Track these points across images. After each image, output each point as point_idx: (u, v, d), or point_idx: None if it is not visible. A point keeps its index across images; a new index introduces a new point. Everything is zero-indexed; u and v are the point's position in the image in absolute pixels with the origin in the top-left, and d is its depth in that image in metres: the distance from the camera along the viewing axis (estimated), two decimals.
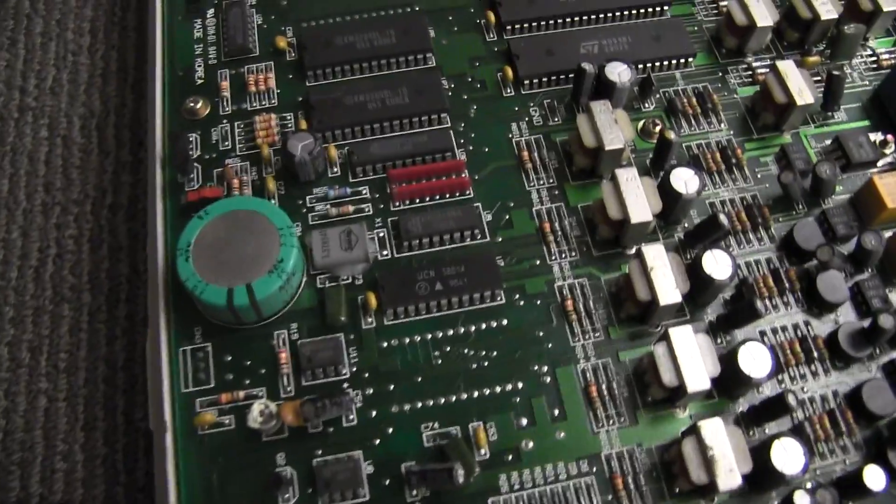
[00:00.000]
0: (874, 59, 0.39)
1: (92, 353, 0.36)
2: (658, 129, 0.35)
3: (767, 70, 0.36)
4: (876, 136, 0.36)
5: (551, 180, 0.34)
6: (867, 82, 0.38)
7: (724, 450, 0.28)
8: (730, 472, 0.28)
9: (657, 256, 0.31)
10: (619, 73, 0.34)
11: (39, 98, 0.42)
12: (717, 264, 0.31)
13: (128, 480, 0.34)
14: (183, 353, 0.31)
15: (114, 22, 0.45)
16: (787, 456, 0.28)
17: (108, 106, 0.42)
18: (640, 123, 0.36)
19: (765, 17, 0.37)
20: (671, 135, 0.33)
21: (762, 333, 0.32)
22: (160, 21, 0.39)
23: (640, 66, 0.37)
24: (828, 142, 0.36)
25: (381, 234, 0.33)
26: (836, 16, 0.37)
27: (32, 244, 0.38)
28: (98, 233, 0.38)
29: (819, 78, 0.38)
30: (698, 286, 0.31)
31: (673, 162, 0.34)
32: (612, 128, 0.33)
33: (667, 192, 0.32)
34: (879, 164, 0.36)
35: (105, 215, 0.39)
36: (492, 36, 0.38)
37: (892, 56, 0.39)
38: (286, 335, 0.31)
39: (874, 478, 0.29)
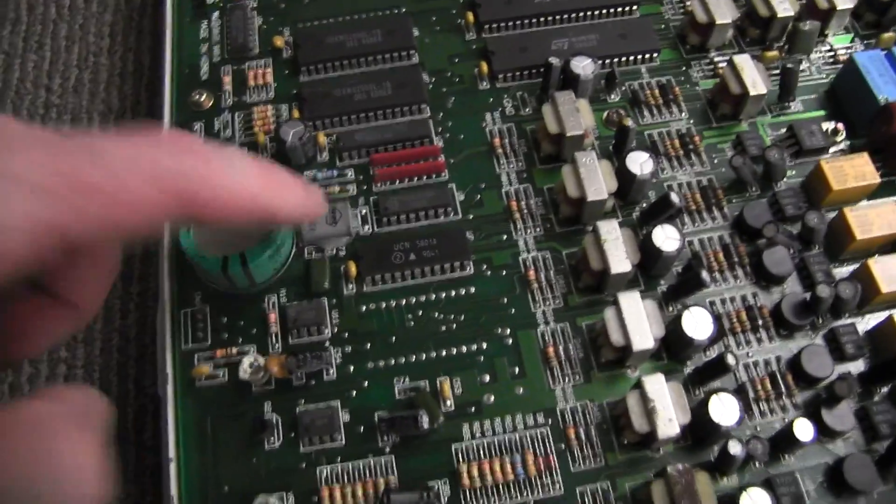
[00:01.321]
0: (832, 54, 0.43)
1: (107, 325, 0.41)
2: (624, 118, 0.40)
3: (726, 64, 0.40)
4: (828, 125, 0.40)
5: (520, 164, 0.39)
6: (824, 76, 0.42)
7: (664, 402, 0.32)
8: (669, 422, 0.32)
9: (611, 231, 0.35)
10: (583, 66, 0.39)
11: (63, 96, 0.48)
12: (666, 238, 0.35)
13: (137, 440, 0.39)
14: (184, 315, 0.36)
15: (131, 26, 0.51)
16: (724, 409, 0.32)
17: (126, 103, 0.48)
18: (605, 113, 0.40)
19: (724, 15, 0.41)
20: (628, 122, 0.38)
21: (711, 304, 0.36)
22: (170, 23, 0.44)
23: (608, 60, 0.41)
24: (783, 130, 0.40)
25: (364, 212, 0.38)
26: (792, 13, 0.41)
27: None
28: None
29: (777, 71, 0.42)
30: (650, 258, 0.35)
31: (633, 146, 0.38)
32: (574, 116, 0.37)
33: (623, 173, 0.37)
34: (831, 150, 0.40)
35: None
36: (471, 35, 0.43)
37: (848, 51, 0.43)
38: (276, 299, 0.36)
39: (803, 430, 0.32)
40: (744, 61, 0.40)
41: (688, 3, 0.44)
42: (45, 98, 0.47)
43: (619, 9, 0.43)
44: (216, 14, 0.44)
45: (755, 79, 0.39)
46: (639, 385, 0.32)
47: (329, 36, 0.42)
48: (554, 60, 0.39)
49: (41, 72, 0.48)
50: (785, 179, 0.39)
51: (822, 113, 0.41)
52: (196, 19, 0.44)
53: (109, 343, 0.40)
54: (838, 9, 0.42)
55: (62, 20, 0.51)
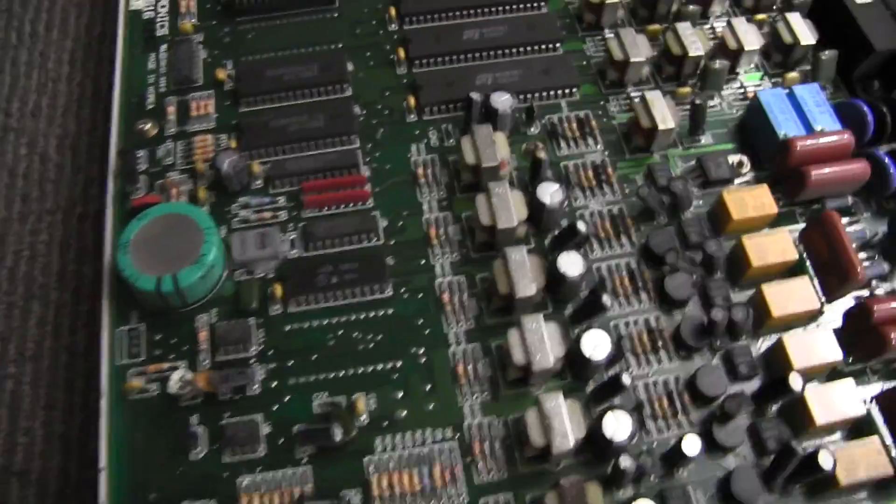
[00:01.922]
0: (742, 91, 0.46)
1: (56, 342, 0.43)
2: (539, 150, 0.43)
3: (638, 99, 0.43)
4: (734, 158, 0.43)
5: (442, 193, 0.42)
6: (735, 111, 0.45)
7: (560, 418, 0.35)
8: (563, 437, 0.34)
9: (517, 257, 0.38)
10: (502, 101, 0.42)
11: (21, 120, 0.51)
12: (570, 264, 0.38)
13: (80, 454, 0.41)
14: (121, 333, 0.38)
15: (91, 53, 0.53)
16: (618, 425, 0.35)
17: (82, 128, 0.50)
18: (524, 145, 0.43)
19: (639, 53, 0.44)
20: (542, 154, 0.41)
21: (616, 326, 0.39)
22: (121, 54, 0.47)
23: (529, 95, 0.44)
24: (693, 162, 0.43)
25: (293, 237, 0.40)
26: (702, 52, 0.45)
27: (8, 248, 0.46)
28: (67, 239, 0.46)
29: (688, 106, 0.45)
30: (555, 283, 0.38)
31: (547, 176, 0.41)
32: (491, 148, 0.40)
33: (534, 203, 0.39)
34: (736, 182, 0.43)
35: (74, 224, 0.46)
36: (402, 69, 0.46)
37: (757, 89, 0.46)
38: (207, 318, 0.38)
39: (690, 446, 0.35)
40: (655, 97, 0.43)
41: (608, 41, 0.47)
42: (3, 122, 0.50)
43: (543, 46, 0.46)
44: (165, 46, 0.47)
45: (665, 114, 0.42)
46: (537, 401, 0.35)
47: (268, 69, 0.45)
48: (475, 95, 0.42)
49: (0, 97, 0.51)
50: (693, 209, 0.42)
51: (730, 146, 0.44)
52: (146, 51, 0.47)
53: (57, 360, 0.43)
54: (746, 49, 0.45)
55: (23, 45, 0.54)
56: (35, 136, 0.50)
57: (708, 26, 0.49)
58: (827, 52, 0.46)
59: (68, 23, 0.54)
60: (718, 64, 0.44)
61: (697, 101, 0.43)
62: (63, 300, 0.44)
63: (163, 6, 0.49)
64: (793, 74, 0.46)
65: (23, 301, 0.44)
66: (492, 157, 0.40)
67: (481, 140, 0.40)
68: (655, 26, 0.48)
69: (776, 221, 0.42)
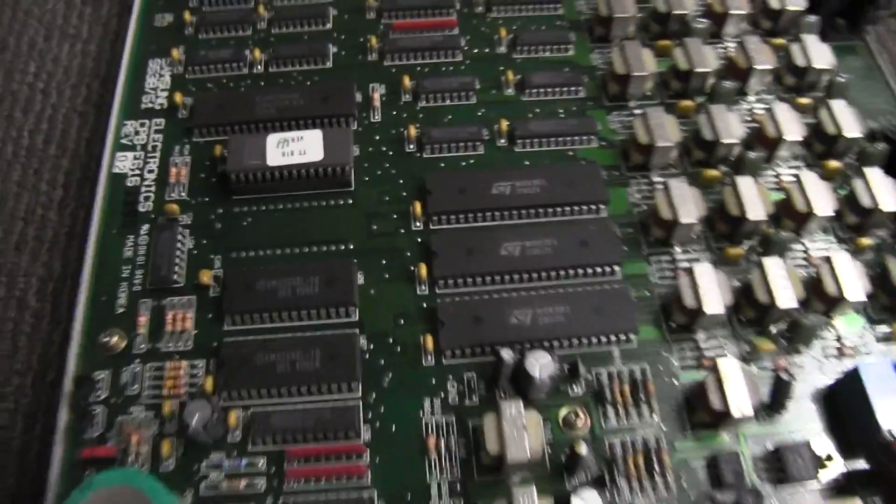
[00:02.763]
0: (838, 345, 0.37)
1: None
2: (580, 421, 0.35)
3: (710, 370, 0.35)
4: (820, 445, 0.35)
5: (456, 473, 0.34)
6: (827, 376, 0.37)
7: None
8: None
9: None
10: (540, 365, 0.34)
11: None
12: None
13: None
14: None
15: (87, 175, 0.46)
16: None
17: (68, 270, 0.44)
18: (563, 412, 0.35)
19: (716, 304, 0.36)
20: (583, 450, 0.33)
21: None
22: (96, 232, 0.40)
23: (576, 340, 0.36)
24: (769, 446, 0.35)
25: None
26: (795, 305, 0.36)
27: None
28: (35, 409, 0.39)
29: (770, 368, 0.36)
30: None
31: (590, 474, 0.34)
32: (519, 434, 0.32)
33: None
34: (820, 477, 0.35)
35: (45, 391, 0.40)
36: (423, 289, 0.38)
37: (856, 346, 0.37)
38: None
39: None
40: (730, 366, 0.34)
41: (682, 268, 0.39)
42: None
43: (598, 269, 0.38)
44: (145, 228, 0.40)
45: (741, 394, 0.34)
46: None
47: (260, 280, 0.37)
48: (506, 355, 0.34)
49: None
50: None
51: (816, 425, 0.36)
52: (124, 231, 0.40)
53: None
54: (848, 300, 0.36)
55: (17, 161, 0.47)
56: (16, 272, 0.43)
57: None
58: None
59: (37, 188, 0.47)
60: (812, 319, 0.36)
61: (783, 376, 0.35)
62: None
63: (150, 171, 0.42)
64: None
65: None
66: (520, 450, 0.32)
67: (507, 424, 0.33)
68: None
69: None
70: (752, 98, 0.45)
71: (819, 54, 0.45)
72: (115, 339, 0.37)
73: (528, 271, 0.38)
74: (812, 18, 0.47)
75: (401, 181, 0.41)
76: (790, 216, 0.40)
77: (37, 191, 0.47)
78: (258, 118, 0.42)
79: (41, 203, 0.46)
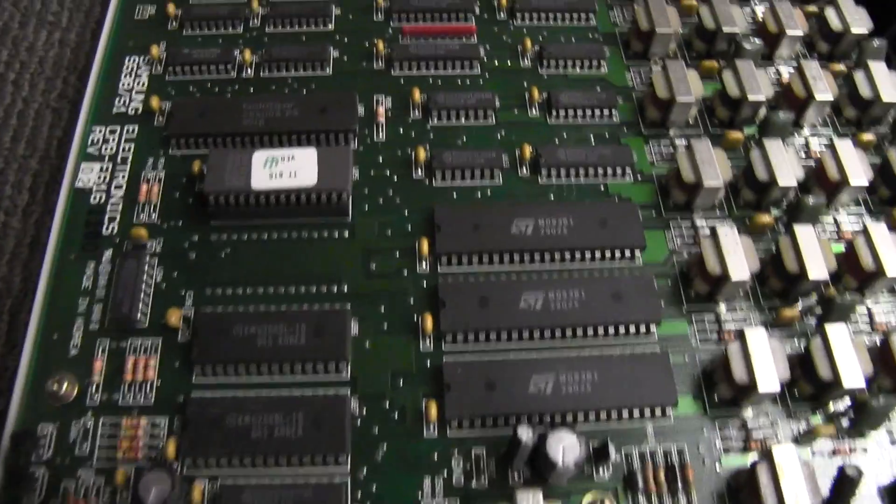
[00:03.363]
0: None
1: None
2: None
3: (760, 455, 0.30)
4: None
5: None
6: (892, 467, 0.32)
7: None
8: None
9: None
10: (564, 447, 0.28)
11: None
12: None
13: None
14: None
15: (57, 180, 0.41)
16: None
17: (29, 285, 0.38)
18: (588, 501, 0.30)
19: (770, 378, 0.31)
20: None
21: None
22: (51, 256, 0.34)
23: (604, 414, 0.31)
24: None
25: None
26: (863, 385, 0.31)
27: None
28: None
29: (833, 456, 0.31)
30: None
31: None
32: None
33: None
34: None
35: None
36: (427, 344, 0.32)
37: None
38: None
39: None
40: (782, 453, 0.29)
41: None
42: None
43: (632, 328, 0.33)
44: (108, 253, 0.34)
45: (797, 481, 0.29)
46: None
47: (238, 325, 0.32)
48: (524, 435, 0.28)
49: None
50: None
51: None
52: (83, 255, 0.34)
53: None
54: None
55: None
56: None
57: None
58: None
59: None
60: (882, 400, 0.31)
61: (848, 472, 0.29)
62: None
63: (118, 187, 0.36)
64: None
65: None
66: None
67: None
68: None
69: None
70: (806, 131, 0.40)
71: (887, 84, 0.39)
72: (65, 385, 0.31)
73: (550, 328, 0.33)
74: (878, 42, 0.41)
75: (406, 212, 0.36)
76: (854, 275, 0.34)
77: (0, 194, 0.42)
78: (244, 130, 0.37)
79: (4, 208, 0.41)
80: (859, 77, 0.39)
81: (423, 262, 0.34)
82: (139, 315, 0.33)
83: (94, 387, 0.32)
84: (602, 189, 0.37)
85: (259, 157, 0.35)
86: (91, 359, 0.32)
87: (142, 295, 0.33)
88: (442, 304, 0.33)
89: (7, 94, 0.45)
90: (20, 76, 0.46)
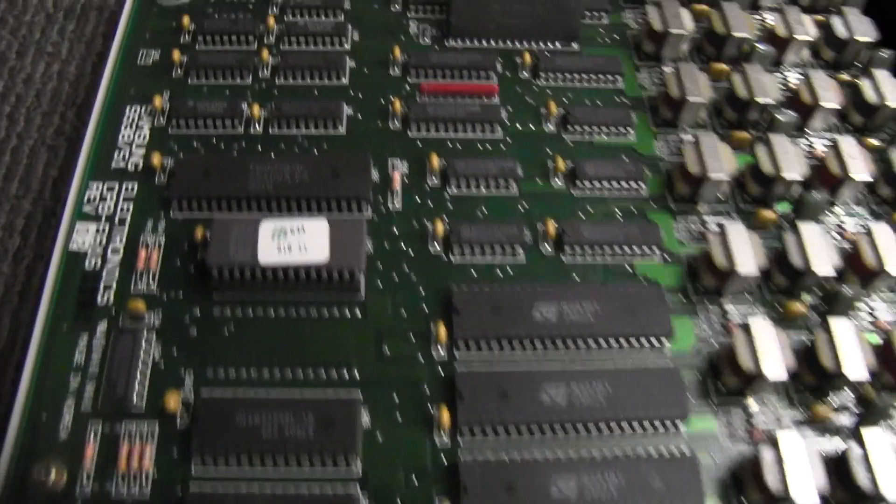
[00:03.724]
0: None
1: None
2: None
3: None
4: None
5: None
6: None
7: None
8: None
9: None
10: None
11: None
12: None
13: None
14: None
15: (51, 223, 0.39)
16: None
17: (17, 337, 0.36)
18: None
19: (807, 490, 0.29)
20: None
21: None
22: (41, 326, 0.32)
23: None
24: None
25: None
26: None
27: None
28: None
29: None
30: None
31: None
32: None
33: None
34: None
35: None
36: (444, 439, 0.30)
37: None
38: None
39: None
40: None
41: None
42: None
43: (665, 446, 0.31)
44: (103, 326, 0.32)
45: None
46: None
47: (241, 412, 0.30)
48: None
49: None
50: None
51: None
52: (76, 327, 0.32)
53: None
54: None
55: None
56: None
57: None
58: None
59: None
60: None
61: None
62: None
63: (115, 251, 0.34)
64: None
65: None
66: None
67: None
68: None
69: None
70: (841, 210, 0.38)
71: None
72: (53, 473, 0.29)
73: (573, 422, 0.31)
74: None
75: (421, 290, 0.34)
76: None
77: None
78: (251, 194, 0.35)
79: None
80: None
81: (440, 347, 0.32)
82: (135, 397, 0.31)
83: (85, 475, 0.29)
84: (628, 269, 0.35)
85: (267, 227, 0.33)
86: (82, 443, 0.30)
87: (138, 374, 0.31)
88: (459, 396, 0.31)
89: (1, 129, 0.43)
90: (15, 110, 0.44)
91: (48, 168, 0.42)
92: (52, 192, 0.41)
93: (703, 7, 0.43)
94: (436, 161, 0.36)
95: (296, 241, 0.33)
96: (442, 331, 0.32)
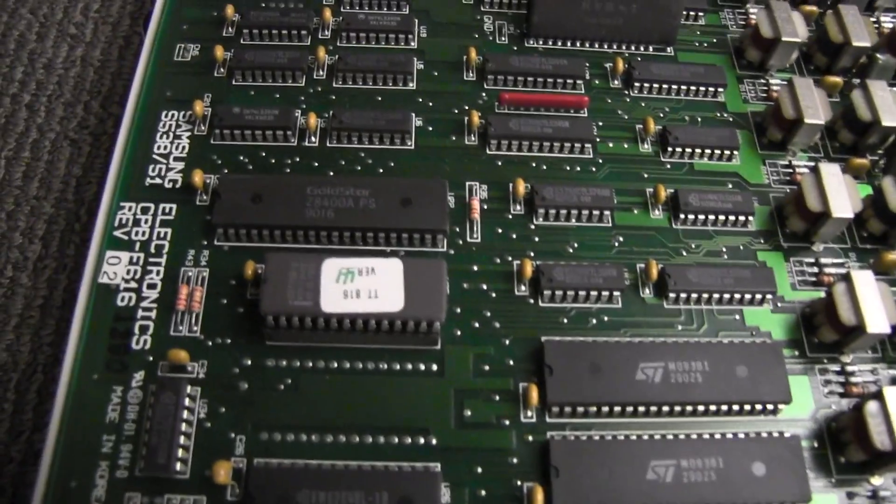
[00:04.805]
0: None
1: None
2: None
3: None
4: None
5: None
6: None
7: None
8: None
9: None
10: None
11: None
12: None
13: None
14: None
15: (73, 229, 0.36)
16: None
17: (38, 358, 0.33)
18: None
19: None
20: None
21: None
22: (67, 378, 0.28)
23: None
24: None
25: None
26: None
27: None
28: None
29: None
30: None
31: None
32: None
33: None
34: None
35: None
36: None
37: None
38: None
39: None
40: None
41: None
42: None
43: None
44: (139, 376, 0.28)
45: None
46: None
47: (304, 490, 0.25)
48: None
49: None
50: None
51: None
52: (108, 376, 0.28)
53: None
54: None
55: None
56: None
57: None
58: None
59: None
60: None
61: None
62: None
63: (151, 286, 0.29)
64: None
65: None
66: None
67: None
68: None
69: None
70: None
71: None
72: None
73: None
74: None
75: (506, 341, 0.29)
76: None
77: (8, 242, 0.36)
78: (309, 222, 0.30)
79: (13, 260, 0.36)
80: None
81: (529, 412, 0.28)
82: (178, 465, 0.26)
83: None
84: (737, 319, 0.31)
85: (330, 267, 0.28)
86: None
87: (181, 438, 0.27)
88: (555, 472, 0.27)
89: (20, 121, 0.38)
90: (35, 99, 0.39)
91: (71, 165, 0.38)
92: (76, 193, 0.37)
93: (813, 8, 0.38)
94: (522, 188, 0.32)
95: (365, 285, 0.28)
96: (535, 395, 0.28)
